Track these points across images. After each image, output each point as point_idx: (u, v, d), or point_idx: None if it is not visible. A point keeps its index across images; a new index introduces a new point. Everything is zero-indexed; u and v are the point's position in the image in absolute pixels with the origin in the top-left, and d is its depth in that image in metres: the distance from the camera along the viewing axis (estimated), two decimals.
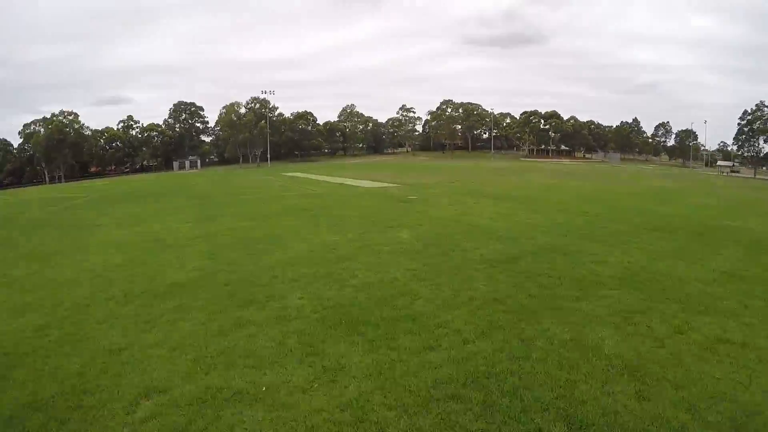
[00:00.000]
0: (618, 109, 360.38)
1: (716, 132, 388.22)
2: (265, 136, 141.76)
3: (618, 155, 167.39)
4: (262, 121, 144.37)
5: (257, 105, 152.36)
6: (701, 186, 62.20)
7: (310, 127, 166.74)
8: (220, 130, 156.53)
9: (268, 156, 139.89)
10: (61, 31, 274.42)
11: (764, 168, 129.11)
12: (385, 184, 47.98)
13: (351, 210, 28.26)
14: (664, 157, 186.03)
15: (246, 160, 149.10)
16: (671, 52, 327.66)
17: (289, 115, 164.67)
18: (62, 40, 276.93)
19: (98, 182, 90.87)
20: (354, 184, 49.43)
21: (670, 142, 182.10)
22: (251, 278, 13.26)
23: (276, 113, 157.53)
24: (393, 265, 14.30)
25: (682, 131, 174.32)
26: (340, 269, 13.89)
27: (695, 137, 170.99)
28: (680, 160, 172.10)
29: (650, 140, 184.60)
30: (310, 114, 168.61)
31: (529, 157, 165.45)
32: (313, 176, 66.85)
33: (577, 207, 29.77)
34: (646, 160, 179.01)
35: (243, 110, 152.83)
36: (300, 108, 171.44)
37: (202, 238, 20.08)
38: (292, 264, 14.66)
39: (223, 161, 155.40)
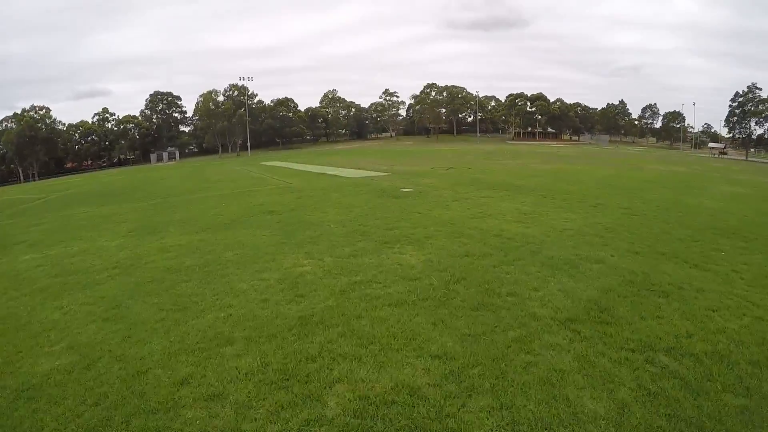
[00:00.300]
0: (602, 91, 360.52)
1: (700, 114, 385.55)
2: (244, 125, 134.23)
3: (606, 137, 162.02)
4: (241, 109, 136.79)
5: (235, 92, 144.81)
6: (710, 170, 57.51)
7: (291, 114, 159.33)
8: (198, 119, 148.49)
9: (248, 145, 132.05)
10: (36, 24, 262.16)
11: (753, 150, 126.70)
12: (372, 173, 41.29)
13: (332, 211, 21.60)
14: (651, 139, 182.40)
15: (226, 150, 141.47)
16: (654, 36, 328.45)
17: (270, 102, 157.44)
18: (37, 33, 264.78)
19: (70, 179, 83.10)
20: (337, 173, 42.62)
21: (657, 124, 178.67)
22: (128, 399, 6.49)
23: (255, 100, 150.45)
24: (405, 344, 7.68)
25: (670, 113, 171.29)
26: (306, 371, 6.90)
27: (683, 119, 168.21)
28: (667, 142, 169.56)
29: (637, 122, 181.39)
30: (291, 100, 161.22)
31: (515, 140, 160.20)
32: (293, 165, 59.71)
33: (609, 200, 24.02)
34: (633, 142, 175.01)
35: (221, 98, 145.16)
36: (281, 95, 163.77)
37: (120, 270, 13.02)
38: (221, 344, 7.94)
39: (203, 151, 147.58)
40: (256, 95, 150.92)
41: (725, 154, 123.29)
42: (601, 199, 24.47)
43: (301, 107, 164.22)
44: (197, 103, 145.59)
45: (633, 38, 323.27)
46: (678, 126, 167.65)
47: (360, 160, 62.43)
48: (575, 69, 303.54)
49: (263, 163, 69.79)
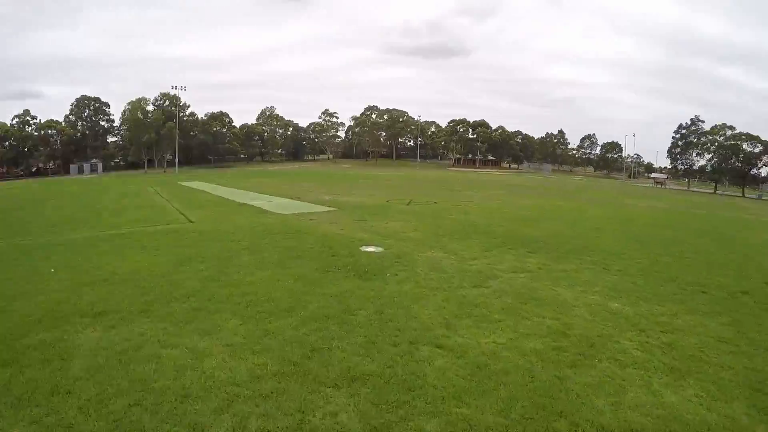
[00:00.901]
0: (536, 121, 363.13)
1: (629, 146, 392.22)
2: (173, 138, 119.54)
3: (549, 166, 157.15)
4: (170, 121, 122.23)
5: (166, 102, 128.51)
6: (693, 206, 52.39)
7: (225, 130, 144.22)
8: (127, 129, 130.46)
9: (176, 161, 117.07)
10: None
11: (691, 180, 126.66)
12: (312, 207, 30.22)
13: (224, 326, 9.41)
14: (589, 168, 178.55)
15: (153, 165, 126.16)
16: (589, 71, 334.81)
17: (203, 115, 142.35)
18: None
19: None
20: (265, 205, 30.99)
21: (596, 152, 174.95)
22: None
23: (188, 112, 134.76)
24: None
25: (607, 143, 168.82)
26: None
27: (620, 150, 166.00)
28: (604, 172, 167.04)
29: (575, 152, 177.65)
30: (226, 115, 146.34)
31: (455, 167, 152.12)
32: (215, 189, 47.22)
33: (684, 274, 14.69)
34: (571, 171, 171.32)
35: (151, 108, 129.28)
36: (217, 110, 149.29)
37: None
38: None
39: (129, 165, 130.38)
40: (188, 106, 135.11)
41: (662, 184, 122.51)
42: (672, 271, 15.08)
43: (237, 123, 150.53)
44: (124, 111, 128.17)
45: (568, 72, 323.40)
46: (615, 156, 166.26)
47: (296, 186, 50.92)
48: (512, 99, 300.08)
49: (183, 183, 56.76)
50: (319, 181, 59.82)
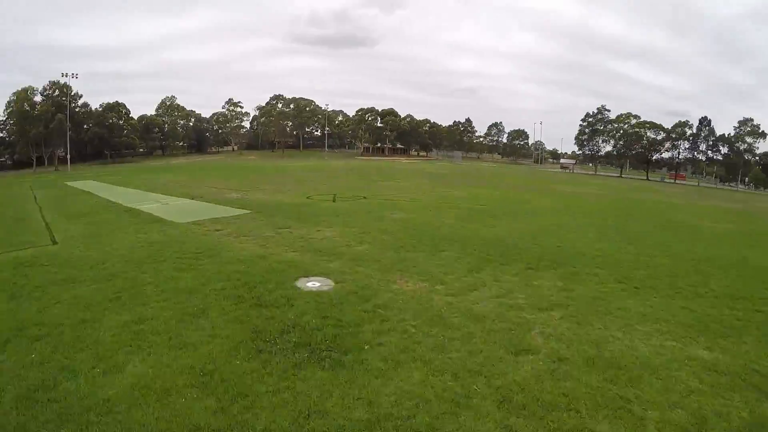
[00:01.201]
0: (441, 110, 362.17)
1: (532, 133, 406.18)
2: (65, 132, 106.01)
3: (460, 153, 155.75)
4: (61, 113, 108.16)
5: (56, 92, 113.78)
6: (609, 189, 52.63)
7: (122, 122, 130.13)
8: (13, 123, 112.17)
9: (68, 157, 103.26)
10: None
11: (597, 165, 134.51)
12: (218, 210, 23.88)
13: None
14: (497, 156, 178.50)
15: (42, 163, 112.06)
16: (493, 62, 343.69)
17: (98, 106, 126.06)
18: None
19: None
20: (158, 210, 24.08)
21: (503, 140, 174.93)
22: None
23: (80, 102, 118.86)
24: None
25: (514, 131, 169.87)
26: None
27: (526, 137, 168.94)
28: (511, 158, 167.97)
29: (482, 139, 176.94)
30: (123, 106, 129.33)
31: (364, 156, 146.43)
32: (102, 190, 38.22)
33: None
34: (479, 158, 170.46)
35: (39, 98, 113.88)
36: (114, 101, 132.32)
37: None
38: None
39: (17, 164, 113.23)
40: (81, 96, 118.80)
41: (567, 168, 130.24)
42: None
43: (136, 115, 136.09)
44: (8, 103, 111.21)
45: (472, 63, 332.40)
46: (522, 143, 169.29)
47: (199, 182, 43.50)
48: (418, 89, 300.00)
49: (70, 184, 47.38)
50: (225, 176, 52.23)
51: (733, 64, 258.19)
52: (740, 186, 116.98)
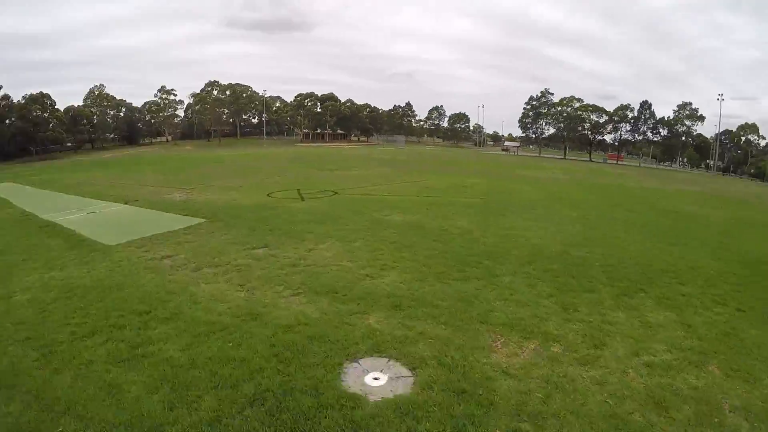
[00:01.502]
0: (379, 95, 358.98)
1: (472, 116, 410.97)
2: None
3: (403, 138, 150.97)
4: None
5: None
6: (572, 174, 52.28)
7: (47, 115, 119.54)
8: None
9: None
10: None
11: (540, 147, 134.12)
12: (162, 221, 19.07)
13: None
14: (438, 139, 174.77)
15: None
16: (431, 47, 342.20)
17: (20, 98, 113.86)
18: None
19: None
20: (81, 224, 18.52)
21: (443, 124, 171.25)
22: None
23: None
24: None
25: (455, 115, 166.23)
26: None
27: (467, 120, 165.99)
28: (453, 142, 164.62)
29: (423, 123, 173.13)
30: (47, 97, 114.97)
31: (304, 142, 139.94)
32: (17, 194, 30.95)
33: None
34: (419, 142, 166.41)
35: None
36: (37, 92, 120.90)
37: None
38: None
39: None
40: (0, 87, 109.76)
41: (507, 150, 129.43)
42: None
43: (63, 106, 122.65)
44: None
45: (410, 49, 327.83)
46: (463, 126, 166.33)
47: (134, 179, 37.24)
48: (356, 74, 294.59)
49: None
50: (163, 170, 45.61)
51: (663, 52, 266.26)
52: (675, 165, 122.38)
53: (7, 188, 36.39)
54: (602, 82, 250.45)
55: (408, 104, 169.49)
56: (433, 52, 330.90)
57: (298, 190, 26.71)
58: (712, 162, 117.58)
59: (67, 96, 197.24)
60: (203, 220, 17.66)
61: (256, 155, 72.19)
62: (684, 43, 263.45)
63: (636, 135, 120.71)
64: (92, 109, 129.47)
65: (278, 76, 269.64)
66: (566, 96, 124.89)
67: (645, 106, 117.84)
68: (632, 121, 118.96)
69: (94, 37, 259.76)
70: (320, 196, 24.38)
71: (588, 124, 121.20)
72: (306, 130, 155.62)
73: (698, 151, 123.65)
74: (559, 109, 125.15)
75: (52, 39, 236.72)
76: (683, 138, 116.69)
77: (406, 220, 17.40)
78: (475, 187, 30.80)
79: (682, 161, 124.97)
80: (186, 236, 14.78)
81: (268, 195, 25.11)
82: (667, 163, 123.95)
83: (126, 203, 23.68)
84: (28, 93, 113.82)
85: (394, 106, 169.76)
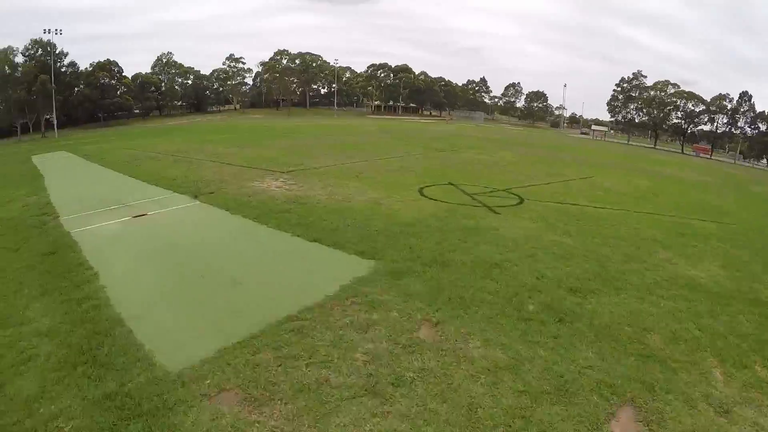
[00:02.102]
0: (447, 70, 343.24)
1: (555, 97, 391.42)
2: (50, 94, 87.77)
3: (482, 114, 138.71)
4: (43, 75, 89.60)
5: (38, 51, 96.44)
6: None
7: (114, 82, 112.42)
8: None
9: (54, 122, 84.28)
10: None
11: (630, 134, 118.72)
12: (284, 277, 12.14)
13: None
14: (512, 118, 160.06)
15: (27, 130, 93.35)
16: (497, 22, 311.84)
17: (87, 66, 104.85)
18: None
19: None
20: (112, 262, 10.00)
21: (520, 103, 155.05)
22: None
23: (66, 62, 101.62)
24: None
25: (533, 92, 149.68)
26: None
27: (545, 99, 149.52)
28: (529, 121, 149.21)
29: (499, 100, 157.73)
30: (115, 64, 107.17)
31: (375, 115, 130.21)
32: (58, 174, 24.24)
33: None
34: (493, 120, 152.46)
35: (21, 59, 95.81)
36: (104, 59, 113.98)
37: None
38: None
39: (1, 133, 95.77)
40: (66, 54, 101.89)
41: (586, 134, 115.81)
42: None
43: (130, 74, 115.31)
44: None
45: (476, 21, 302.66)
46: (540, 105, 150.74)
47: (205, 154, 28.69)
48: (420, 47, 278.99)
49: (34, 158, 31.79)
50: (237, 141, 37.50)
51: (745, 38, 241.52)
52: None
53: (57, 159, 28.78)
54: (679, 66, 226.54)
55: (483, 79, 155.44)
56: (501, 26, 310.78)
57: (451, 183, 17.47)
58: None
59: (134, 66, 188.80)
60: (360, 258, 8.89)
61: (336, 127, 64.47)
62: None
63: (733, 128, 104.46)
64: (160, 77, 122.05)
65: (343, 48, 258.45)
66: (660, 80, 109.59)
67: (745, 97, 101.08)
68: (729, 112, 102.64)
69: (158, 10, 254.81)
70: (506, 204, 15.88)
71: (681, 113, 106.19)
72: (377, 102, 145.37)
73: None
74: (653, 93, 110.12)
75: (115, 13, 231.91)
76: None
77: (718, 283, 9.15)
78: (661, 195, 22.50)
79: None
80: (356, 336, 7.10)
81: (420, 192, 15.73)
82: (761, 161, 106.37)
83: (196, 198, 14.66)
84: (96, 61, 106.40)
85: (468, 80, 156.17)
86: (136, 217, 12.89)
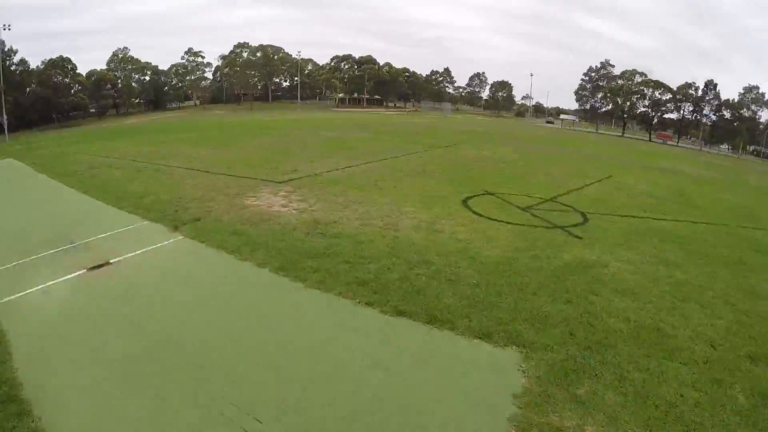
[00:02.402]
0: (409, 61, 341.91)
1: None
2: None
3: (449, 105, 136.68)
4: None
5: None
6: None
7: (68, 80, 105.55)
8: None
9: (4, 125, 78.16)
10: None
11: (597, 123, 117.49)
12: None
13: None
14: (477, 108, 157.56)
15: None
16: (458, 13, 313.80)
17: (39, 64, 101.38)
18: None
19: None
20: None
21: (485, 93, 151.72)
22: None
23: (16, 59, 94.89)
24: None
25: (498, 83, 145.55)
26: None
27: (510, 89, 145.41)
28: (494, 111, 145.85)
29: (463, 91, 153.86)
30: (68, 61, 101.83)
31: (340, 108, 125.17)
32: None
33: None
34: (458, 110, 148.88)
35: None
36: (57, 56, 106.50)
37: None
38: None
39: None
40: (16, 52, 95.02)
41: (551, 123, 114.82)
42: None
43: (85, 71, 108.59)
44: None
45: (436, 12, 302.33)
46: (504, 95, 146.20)
47: (175, 157, 24.22)
48: (382, 38, 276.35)
49: None
50: (204, 140, 32.65)
51: (701, 28, 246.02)
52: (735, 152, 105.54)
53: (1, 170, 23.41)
54: (637, 55, 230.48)
55: (446, 70, 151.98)
56: (463, 17, 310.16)
57: (487, 191, 14.24)
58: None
59: (89, 63, 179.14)
60: (490, 347, 6.94)
61: (305, 121, 59.90)
62: (723, 20, 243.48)
63: (698, 116, 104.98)
64: (116, 73, 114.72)
65: (306, 40, 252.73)
66: (628, 69, 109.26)
67: (710, 85, 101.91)
68: (694, 100, 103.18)
69: (114, 4, 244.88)
70: (571, 222, 13.28)
71: (648, 101, 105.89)
72: (341, 95, 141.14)
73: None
74: (620, 83, 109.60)
75: (72, 7, 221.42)
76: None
77: None
78: (694, 196, 20.56)
79: (747, 148, 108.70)
80: None
81: (466, 205, 12.36)
82: (718, 147, 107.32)
83: (176, 229, 10.65)
84: (48, 59, 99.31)
85: (432, 71, 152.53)
86: (94, 269, 8.91)
